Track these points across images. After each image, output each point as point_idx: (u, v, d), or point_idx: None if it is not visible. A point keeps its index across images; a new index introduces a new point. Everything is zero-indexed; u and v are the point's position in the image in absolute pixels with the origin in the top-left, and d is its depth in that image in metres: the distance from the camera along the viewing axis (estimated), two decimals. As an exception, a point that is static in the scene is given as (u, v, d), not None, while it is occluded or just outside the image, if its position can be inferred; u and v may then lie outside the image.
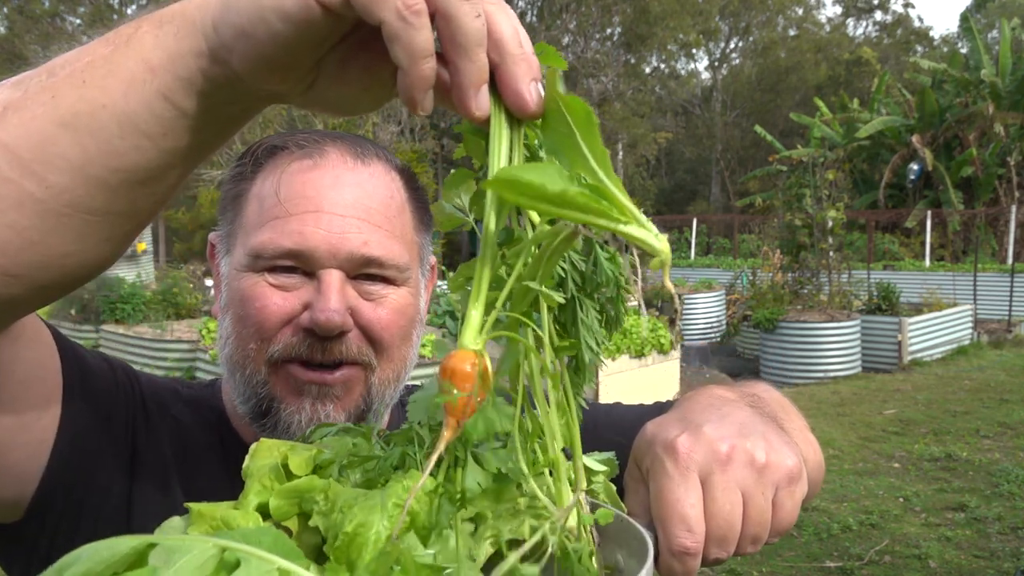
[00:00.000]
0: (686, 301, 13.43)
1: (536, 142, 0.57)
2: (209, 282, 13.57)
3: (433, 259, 1.07)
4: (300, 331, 0.89)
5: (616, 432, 0.86)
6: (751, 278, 12.88)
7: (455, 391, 0.49)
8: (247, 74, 0.55)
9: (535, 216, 0.55)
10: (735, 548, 0.67)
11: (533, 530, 0.55)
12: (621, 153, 31.52)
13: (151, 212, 0.61)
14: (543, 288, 0.52)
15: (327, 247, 0.88)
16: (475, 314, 0.51)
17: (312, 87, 0.58)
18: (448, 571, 0.49)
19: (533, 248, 0.52)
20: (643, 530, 0.60)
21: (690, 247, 24.07)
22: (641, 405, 1.16)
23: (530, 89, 0.52)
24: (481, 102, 0.52)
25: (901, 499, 6.04)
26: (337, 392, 0.92)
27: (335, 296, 0.87)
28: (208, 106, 0.56)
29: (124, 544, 0.46)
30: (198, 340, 8.17)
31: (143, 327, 9.49)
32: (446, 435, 0.50)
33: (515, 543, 0.54)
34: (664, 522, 0.65)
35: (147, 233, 21.45)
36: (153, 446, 0.96)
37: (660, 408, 1.08)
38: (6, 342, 0.74)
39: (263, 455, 0.60)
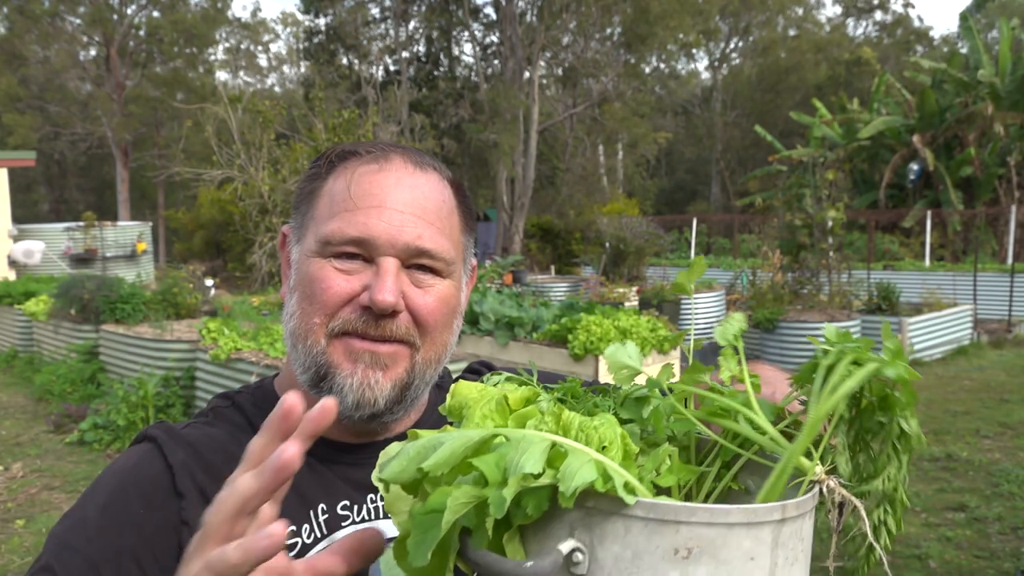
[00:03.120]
0: (686, 301, 13.41)
1: None
2: (209, 282, 13.66)
3: (474, 261, 1.21)
4: (359, 308, 1.02)
5: None
6: (751, 278, 12.86)
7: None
8: None
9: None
10: None
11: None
12: (621, 153, 31.51)
13: None
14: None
15: (387, 237, 1.02)
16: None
17: None
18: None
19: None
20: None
21: (690, 247, 24.09)
22: None
23: None
24: None
25: (901, 499, 6.03)
26: (386, 361, 1.04)
27: (391, 280, 1.01)
28: None
29: (476, 434, 0.57)
30: (198, 340, 8.17)
31: (143, 327, 9.48)
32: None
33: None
34: None
35: (147, 233, 21.40)
36: (191, 500, 1.00)
37: None
38: None
39: (462, 394, 0.70)
